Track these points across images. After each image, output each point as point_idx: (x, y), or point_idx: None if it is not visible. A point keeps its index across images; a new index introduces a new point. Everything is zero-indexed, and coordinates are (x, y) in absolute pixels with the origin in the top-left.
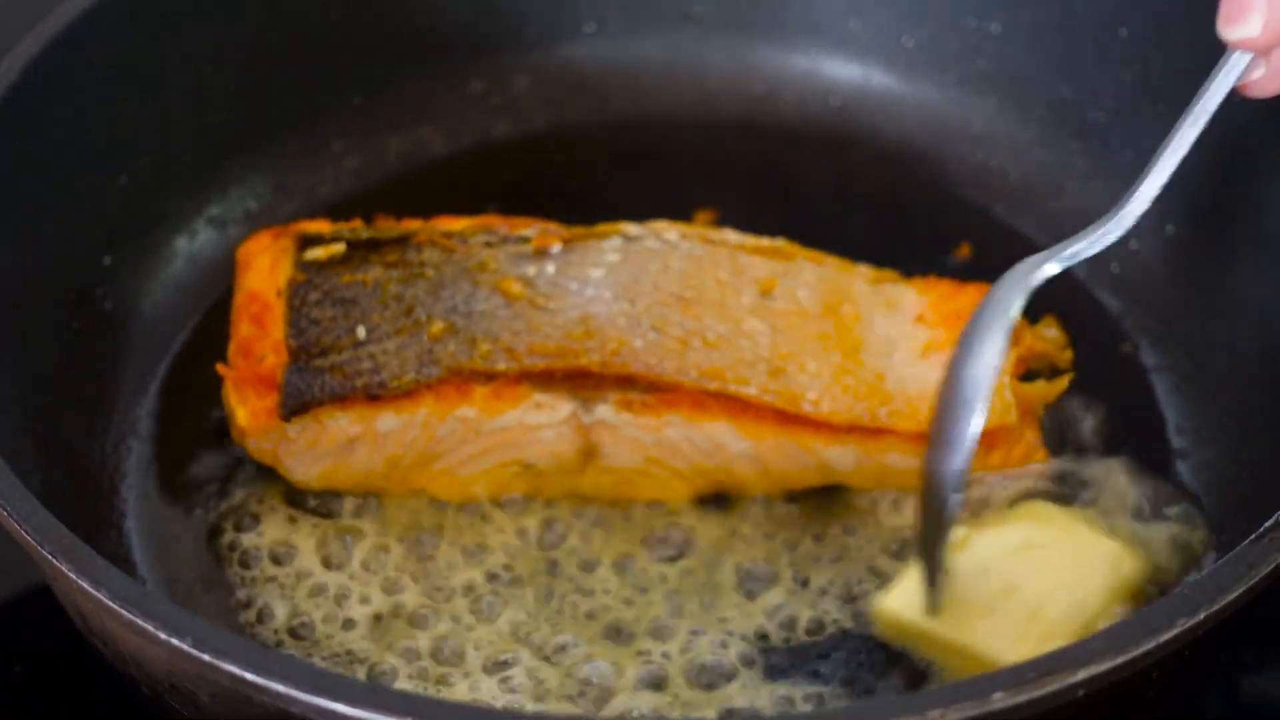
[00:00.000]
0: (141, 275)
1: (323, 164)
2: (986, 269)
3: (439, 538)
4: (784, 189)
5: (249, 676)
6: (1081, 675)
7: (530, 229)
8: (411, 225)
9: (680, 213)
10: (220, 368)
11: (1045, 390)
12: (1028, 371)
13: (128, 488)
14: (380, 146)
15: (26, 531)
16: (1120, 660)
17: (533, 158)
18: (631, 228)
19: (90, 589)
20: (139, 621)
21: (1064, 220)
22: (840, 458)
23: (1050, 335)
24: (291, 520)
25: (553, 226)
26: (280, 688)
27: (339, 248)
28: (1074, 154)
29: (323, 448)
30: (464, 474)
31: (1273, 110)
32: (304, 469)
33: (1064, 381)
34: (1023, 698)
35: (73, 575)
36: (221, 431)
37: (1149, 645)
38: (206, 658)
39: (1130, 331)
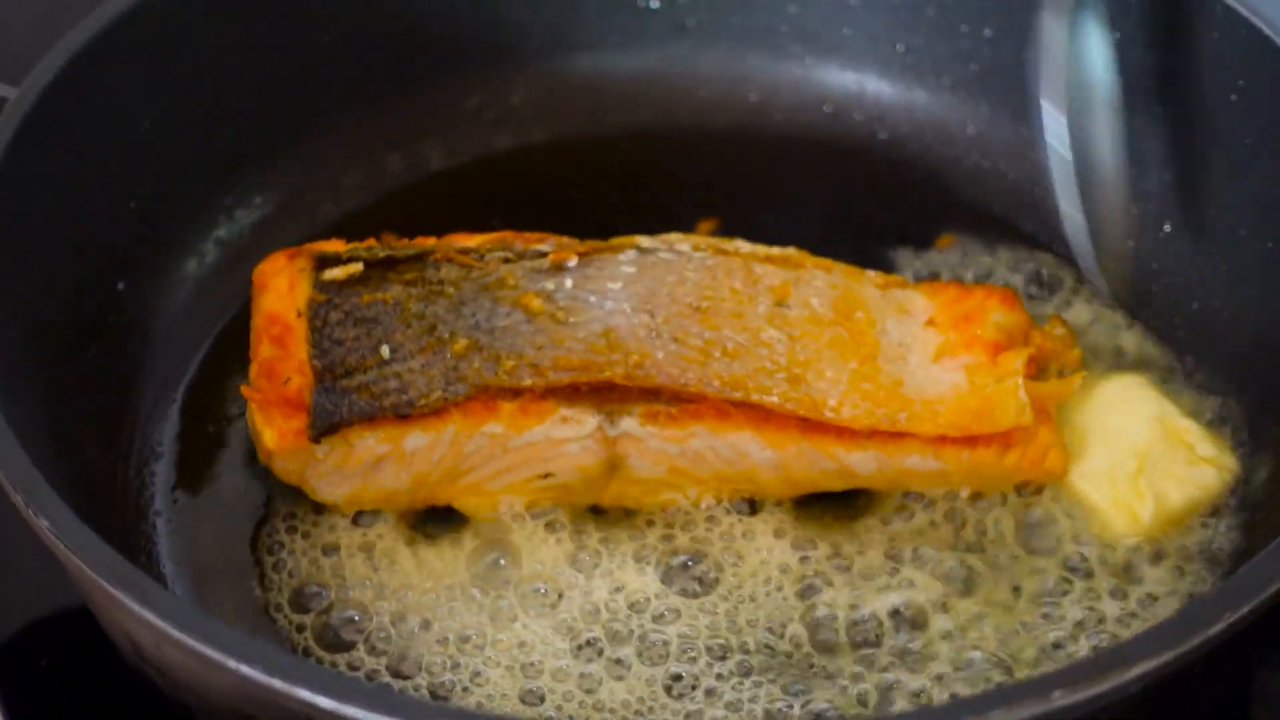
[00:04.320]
0: (154, 300)
1: (324, 183)
2: (985, 269)
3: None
4: (780, 196)
5: (321, 701)
6: (1137, 671)
7: (545, 244)
8: (427, 243)
9: (679, 223)
10: (244, 390)
11: (1058, 389)
12: (1039, 371)
13: (154, 512)
14: (380, 163)
15: (84, 561)
16: (1174, 654)
17: (532, 171)
18: (645, 240)
19: (156, 620)
20: (207, 651)
21: (1059, 220)
22: (862, 462)
23: (1058, 334)
24: (329, 533)
25: (566, 240)
26: (356, 711)
27: (357, 267)
28: None
29: (350, 468)
30: (491, 489)
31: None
32: (331, 489)
33: (1076, 379)
34: (1081, 695)
35: (136, 607)
36: (244, 450)
37: (1199, 639)
38: (278, 684)
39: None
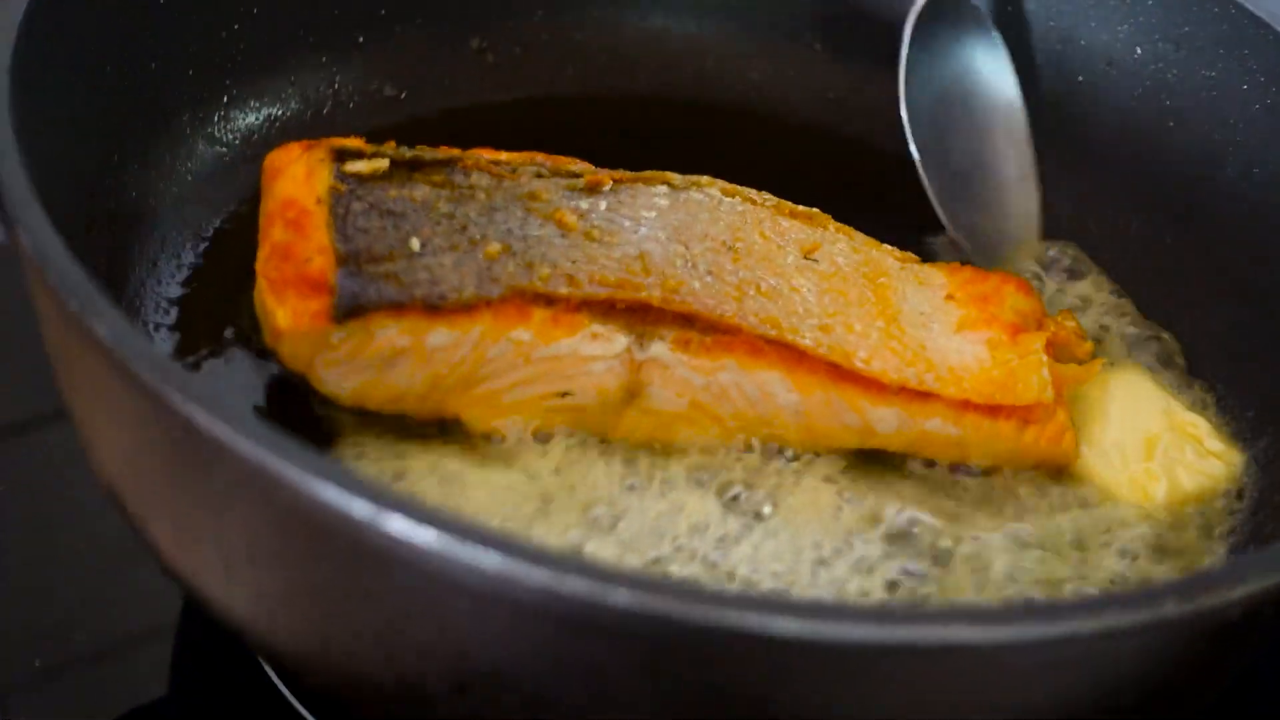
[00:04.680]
0: (146, 177)
1: (319, 99)
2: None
3: None
4: (770, 173)
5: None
6: (1243, 591)
7: (578, 165)
8: (454, 151)
9: None
10: (259, 266)
11: (1079, 373)
12: (1053, 357)
13: None
14: (376, 91)
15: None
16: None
17: (524, 122)
18: (676, 178)
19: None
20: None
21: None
22: (884, 419)
23: (1070, 325)
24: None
25: (598, 168)
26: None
27: (382, 163)
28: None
29: (364, 358)
30: (504, 401)
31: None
32: (339, 380)
33: (1097, 365)
34: (1190, 607)
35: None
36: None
37: None
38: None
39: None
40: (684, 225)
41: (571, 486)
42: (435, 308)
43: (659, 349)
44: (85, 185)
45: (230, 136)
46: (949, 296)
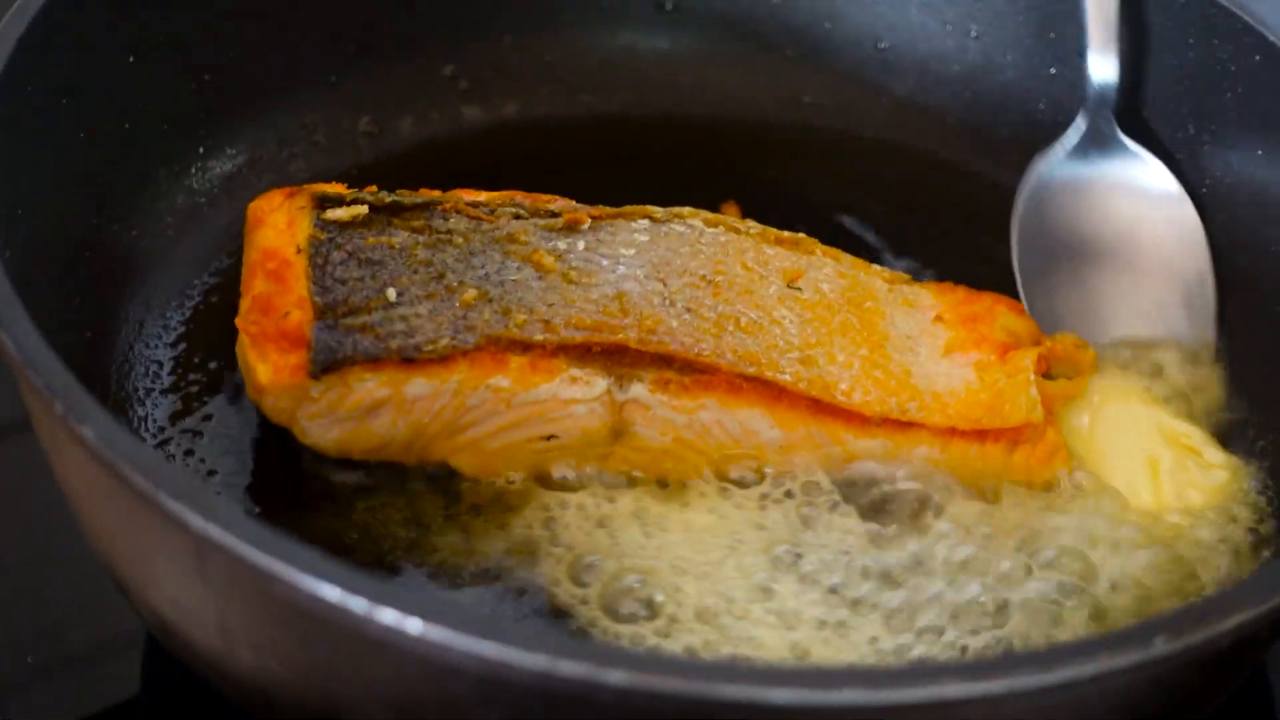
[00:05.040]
0: (128, 237)
1: (295, 139)
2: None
3: None
4: (751, 184)
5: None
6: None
7: (556, 204)
8: (433, 194)
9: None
10: (239, 322)
11: (1067, 388)
12: (1046, 373)
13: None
14: (352, 127)
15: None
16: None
17: (501, 145)
18: (658, 211)
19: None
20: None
21: None
22: (868, 450)
23: (1069, 337)
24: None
25: (577, 204)
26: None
27: (361, 210)
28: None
29: (345, 410)
30: (490, 447)
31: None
32: (322, 432)
33: (1085, 380)
34: (1180, 644)
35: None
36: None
37: None
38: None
39: None
40: (663, 261)
41: (759, 526)
42: (411, 360)
43: (638, 390)
44: (66, 252)
45: (208, 185)
46: (938, 318)
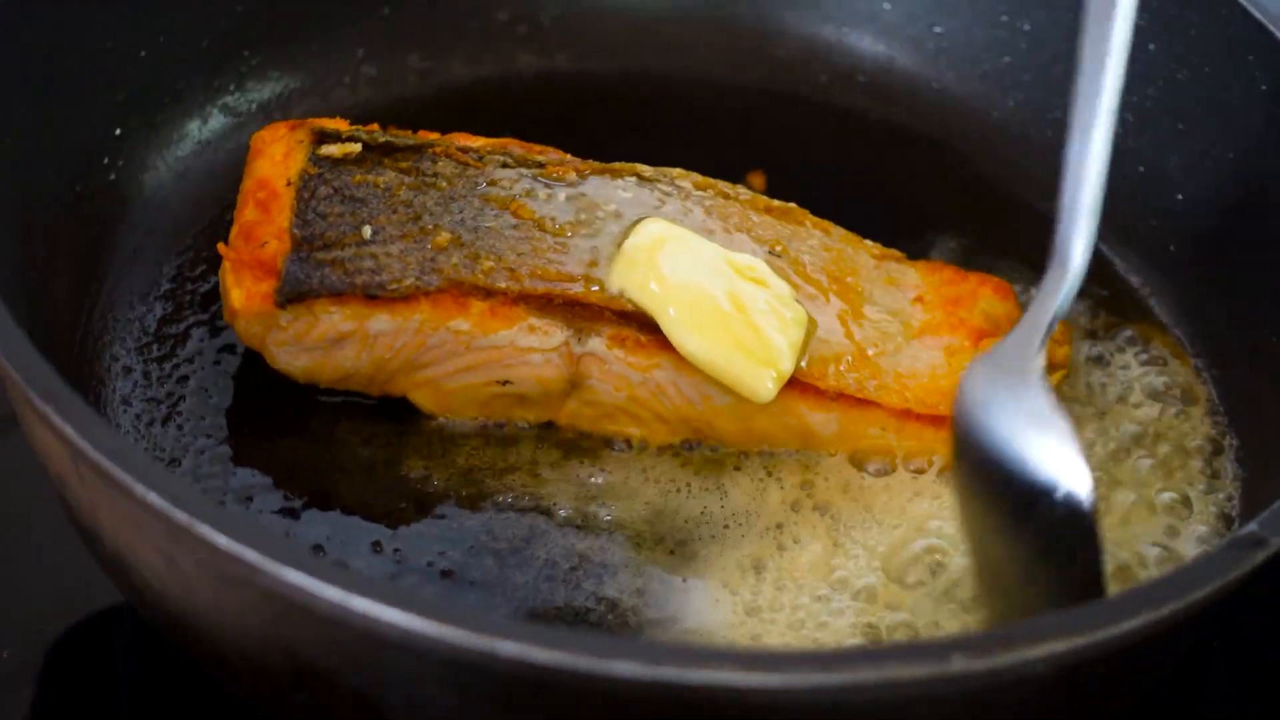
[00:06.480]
0: (150, 150)
1: (343, 69)
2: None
3: None
4: (793, 156)
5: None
6: (1042, 651)
7: (546, 155)
8: (429, 136)
9: (684, 164)
10: (221, 247)
11: None
12: None
13: (110, 357)
14: (402, 62)
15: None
16: (1083, 642)
17: (551, 94)
18: (647, 170)
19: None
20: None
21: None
22: (823, 424)
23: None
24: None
25: (569, 158)
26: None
27: (354, 147)
28: None
29: (312, 340)
30: (448, 386)
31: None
32: (290, 358)
33: (1058, 376)
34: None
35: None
36: (209, 311)
37: (1108, 633)
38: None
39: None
40: (642, 219)
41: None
42: (375, 296)
43: (596, 344)
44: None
45: (248, 106)
46: (918, 299)
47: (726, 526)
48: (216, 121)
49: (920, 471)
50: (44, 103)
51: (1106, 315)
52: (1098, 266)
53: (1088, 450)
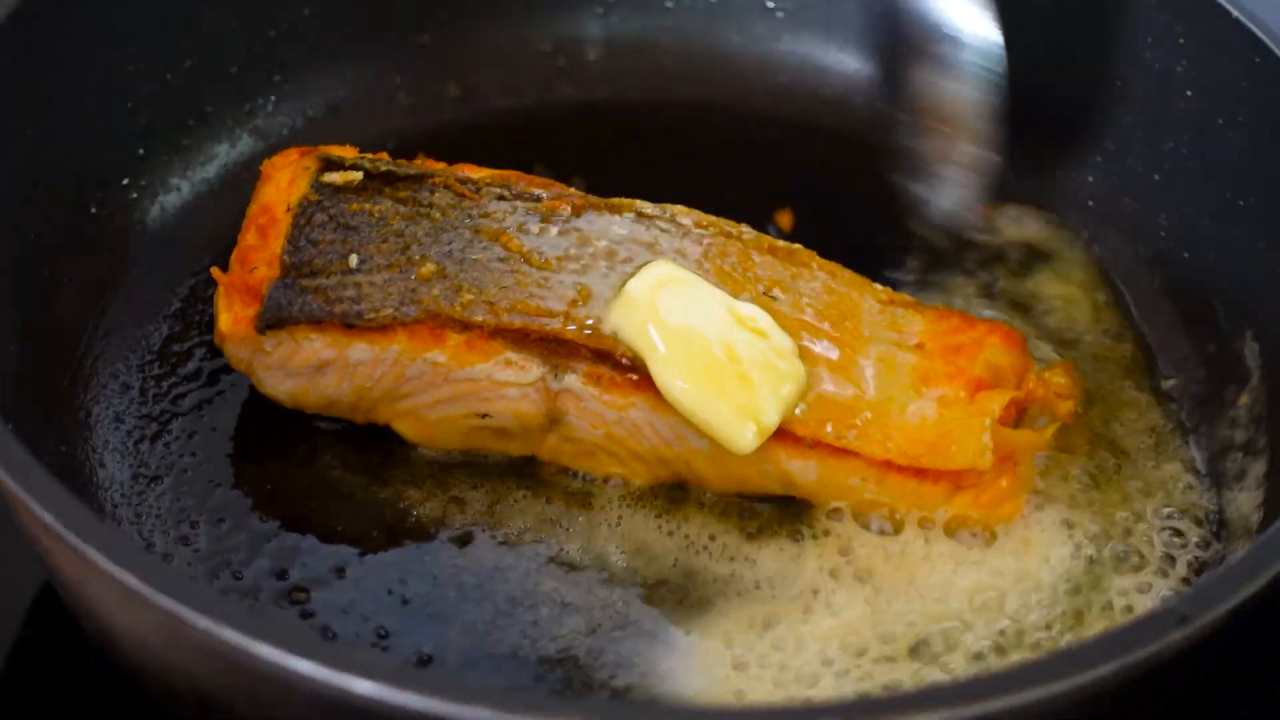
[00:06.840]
0: (173, 172)
1: (378, 97)
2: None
3: None
4: (831, 195)
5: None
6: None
7: (546, 190)
8: (433, 166)
9: (715, 199)
10: (214, 271)
11: (1031, 439)
12: (1020, 416)
13: (110, 374)
14: (439, 90)
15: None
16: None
17: (589, 126)
18: (647, 206)
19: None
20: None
21: None
22: (801, 471)
23: (1057, 382)
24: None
25: (571, 192)
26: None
27: (356, 175)
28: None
29: (294, 366)
30: (428, 417)
31: None
32: (275, 383)
33: (1049, 431)
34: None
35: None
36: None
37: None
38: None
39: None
40: (632, 257)
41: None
42: (352, 325)
43: (572, 380)
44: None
45: (278, 130)
46: (918, 345)
47: (683, 563)
48: (245, 145)
49: (926, 526)
50: (63, 121)
51: None
52: None
53: None
